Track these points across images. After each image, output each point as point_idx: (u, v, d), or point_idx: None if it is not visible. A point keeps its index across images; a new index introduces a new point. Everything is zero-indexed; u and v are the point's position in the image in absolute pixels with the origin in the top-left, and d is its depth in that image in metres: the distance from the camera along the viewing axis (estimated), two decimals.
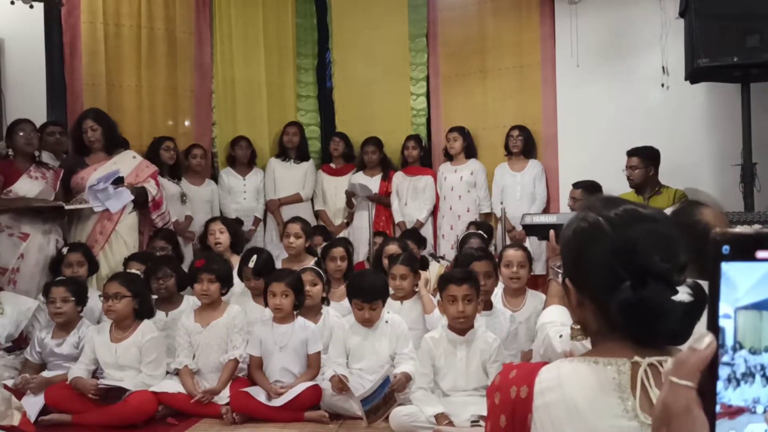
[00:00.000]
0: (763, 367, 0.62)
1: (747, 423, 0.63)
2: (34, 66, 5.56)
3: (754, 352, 0.62)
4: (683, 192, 5.01)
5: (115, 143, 5.05)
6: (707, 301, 1.09)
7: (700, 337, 0.64)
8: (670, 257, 1.11)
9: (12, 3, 4.62)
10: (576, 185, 5.41)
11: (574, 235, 1.21)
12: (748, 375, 0.62)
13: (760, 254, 0.62)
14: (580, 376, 1.12)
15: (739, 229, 0.64)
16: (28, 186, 4.64)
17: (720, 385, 0.62)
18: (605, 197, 1.24)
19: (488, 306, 3.97)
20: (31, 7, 4.75)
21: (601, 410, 1.08)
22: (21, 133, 4.66)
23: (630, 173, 5.04)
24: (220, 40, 6.44)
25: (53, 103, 5.67)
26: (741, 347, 0.62)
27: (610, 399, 1.09)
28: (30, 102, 5.40)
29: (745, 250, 0.62)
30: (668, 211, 2.18)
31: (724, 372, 0.62)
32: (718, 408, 0.63)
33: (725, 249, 0.62)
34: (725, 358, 0.62)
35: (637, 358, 1.10)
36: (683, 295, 1.08)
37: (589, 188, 5.33)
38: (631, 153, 5.07)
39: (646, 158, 5.03)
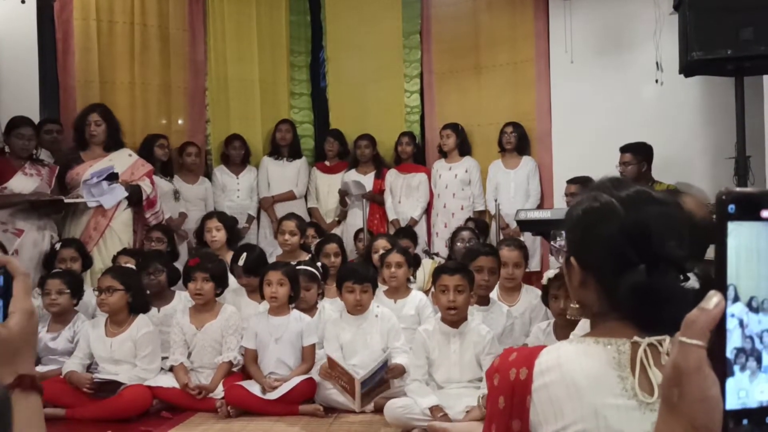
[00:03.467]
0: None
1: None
2: (27, 63, 5.54)
3: None
4: (675, 186, 5.02)
5: (115, 142, 5.05)
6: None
7: (709, 297, 0.64)
8: (683, 243, 1.12)
9: None
10: (571, 181, 5.42)
11: (585, 215, 1.21)
12: None
13: (765, 213, 0.63)
14: (580, 356, 1.13)
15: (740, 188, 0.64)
16: (24, 183, 4.63)
17: None
18: (616, 178, 1.24)
19: (485, 301, 3.97)
20: (23, 2, 4.74)
21: (600, 389, 1.09)
22: (20, 140, 4.64)
23: (623, 170, 5.06)
24: (213, 37, 6.43)
25: (46, 100, 5.65)
26: None
27: (610, 378, 1.10)
28: (23, 99, 5.38)
29: (750, 209, 0.63)
30: None
31: None
32: None
33: (731, 208, 0.63)
34: None
35: (636, 338, 1.11)
36: (693, 282, 1.10)
37: (584, 184, 5.34)
38: (623, 149, 5.09)
39: (638, 154, 5.05)
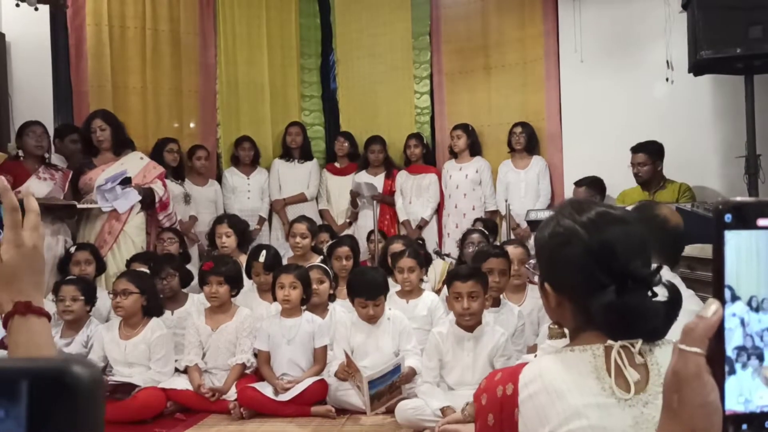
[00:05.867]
0: None
1: None
2: (41, 68, 5.61)
3: None
4: (688, 186, 5.00)
5: (122, 144, 5.09)
6: (681, 299, 1.16)
7: (707, 305, 0.65)
8: (648, 260, 1.20)
9: (17, 5, 4.65)
10: (578, 183, 5.39)
11: (550, 240, 1.27)
12: None
13: (762, 222, 0.64)
14: (559, 365, 1.20)
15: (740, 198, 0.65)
16: (37, 187, 4.67)
17: None
18: (576, 200, 1.31)
19: (496, 303, 3.97)
20: (36, 9, 4.78)
21: (580, 391, 1.16)
22: (32, 137, 4.71)
23: (638, 170, 5.02)
24: (224, 40, 6.47)
25: (60, 105, 5.72)
26: None
27: (588, 380, 1.17)
28: (37, 104, 5.45)
29: (746, 218, 0.64)
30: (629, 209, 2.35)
31: None
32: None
33: (728, 217, 0.64)
34: None
35: (609, 342, 1.18)
36: (662, 295, 1.16)
37: (592, 185, 5.32)
38: (637, 149, 5.05)
39: (652, 153, 5.01)
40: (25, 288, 0.97)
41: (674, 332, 0.90)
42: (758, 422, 0.65)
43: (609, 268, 1.17)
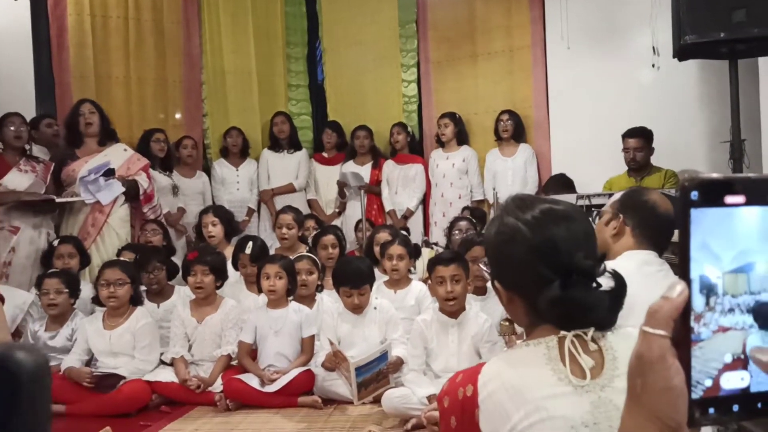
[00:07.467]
0: (739, 305, 0.63)
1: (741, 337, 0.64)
2: (22, 59, 5.54)
3: (734, 296, 0.63)
4: (673, 172, 5.00)
5: (107, 135, 5.05)
6: (625, 288, 1.18)
7: (672, 286, 0.63)
8: (591, 252, 1.22)
9: None
10: (546, 187, 5.38)
11: (496, 239, 1.29)
12: (731, 310, 0.64)
13: (729, 199, 0.61)
14: (515, 362, 1.23)
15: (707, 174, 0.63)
16: (18, 179, 4.64)
17: (717, 314, 0.63)
18: (519, 198, 1.32)
19: (482, 291, 3.97)
20: None
21: (537, 385, 1.18)
22: (11, 127, 4.67)
23: (634, 155, 4.99)
24: (208, 29, 6.42)
25: (42, 97, 5.66)
26: (725, 294, 0.63)
27: (543, 372, 1.19)
28: (19, 96, 5.38)
29: (713, 195, 0.61)
30: (618, 195, 2.37)
31: (717, 308, 0.63)
32: (715, 327, 0.62)
33: (694, 195, 0.61)
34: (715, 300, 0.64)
35: (563, 333, 1.20)
36: (606, 285, 1.19)
37: (557, 185, 5.28)
38: (632, 134, 5.01)
39: (647, 138, 5.01)
40: None
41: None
42: (725, 405, 0.63)
43: (553, 263, 1.20)
